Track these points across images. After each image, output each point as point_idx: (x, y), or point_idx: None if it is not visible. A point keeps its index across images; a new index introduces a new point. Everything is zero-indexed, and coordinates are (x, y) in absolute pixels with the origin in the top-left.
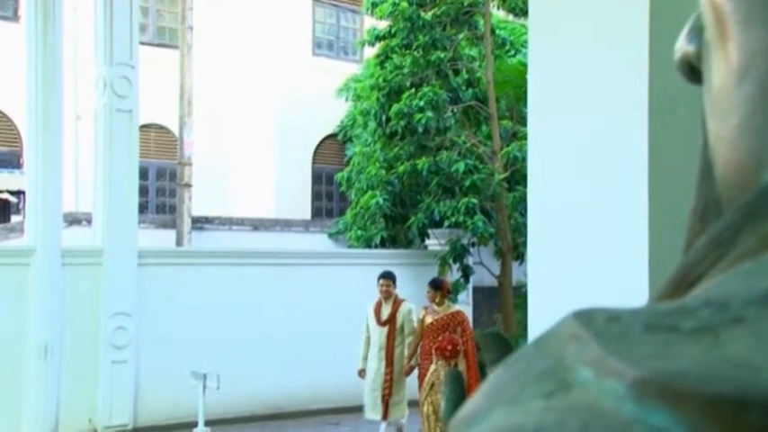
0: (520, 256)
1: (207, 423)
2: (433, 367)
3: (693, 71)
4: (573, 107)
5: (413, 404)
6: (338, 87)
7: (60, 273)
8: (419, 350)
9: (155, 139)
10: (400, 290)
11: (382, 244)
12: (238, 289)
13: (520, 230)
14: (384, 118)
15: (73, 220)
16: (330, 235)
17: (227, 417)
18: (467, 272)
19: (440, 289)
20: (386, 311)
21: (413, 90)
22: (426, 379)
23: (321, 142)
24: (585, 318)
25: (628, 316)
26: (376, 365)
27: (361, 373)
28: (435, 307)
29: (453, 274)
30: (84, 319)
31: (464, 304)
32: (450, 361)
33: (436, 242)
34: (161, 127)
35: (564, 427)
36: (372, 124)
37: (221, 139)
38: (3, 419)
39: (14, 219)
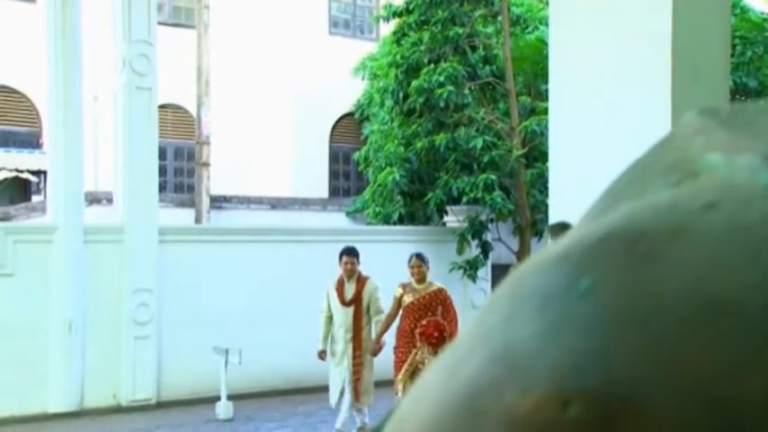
0: (539, 232)
1: (229, 397)
2: (417, 354)
3: None
4: (595, 79)
5: (379, 385)
6: (354, 66)
7: (83, 250)
8: (396, 331)
9: (172, 119)
10: None
11: (400, 221)
12: (258, 265)
13: (538, 207)
14: (402, 95)
15: (93, 199)
16: (348, 213)
17: (248, 391)
18: (486, 248)
19: (427, 263)
20: (350, 290)
21: (431, 66)
22: (407, 365)
23: (338, 121)
24: (710, 112)
25: (752, 108)
26: (342, 348)
27: (322, 354)
28: (415, 284)
29: (472, 251)
30: (107, 295)
31: (483, 281)
32: (436, 348)
33: (455, 219)
34: (178, 107)
35: (696, 200)
36: (390, 102)
37: (239, 118)
38: (30, 394)
39: (35, 198)
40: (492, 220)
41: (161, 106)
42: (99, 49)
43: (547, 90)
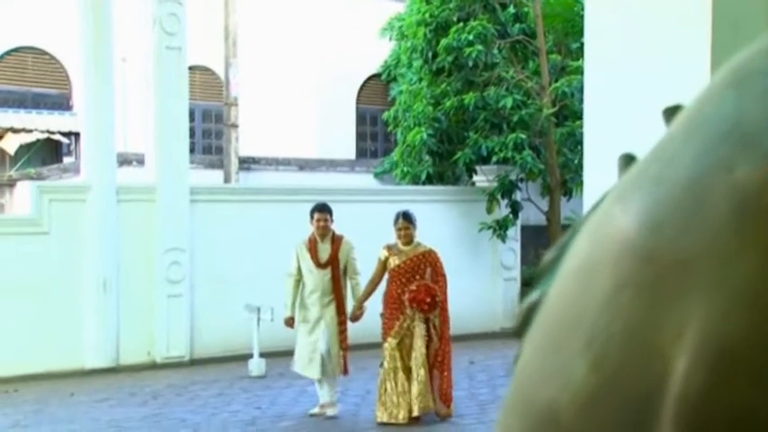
0: (568, 192)
1: (261, 355)
2: (405, 321)
3: None
4: (632, 34)
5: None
6: (382, 27)
7: (116, 209)
8: (383, 297)
9: (200, 80)
10: (448, 227)
11: (429, 181)
12: (288, 224)
13: (568, 166)
14: (431, 54)
15: (123, 160)
16: (376, 174)
17: (280, 349)
18: (515, 208)
19: (414, 223)
20: (324, 251)
21: (460, 25)
22: (394, 332)
23: (365, 82)
24: None
25: None
26: (317, 314)
27: (290, 321)
28: (401, 246)
29: (502, 211)
30: (140, 254)
31: (512, 241)
32: (428, 314)
33: (484, 178)
34: (206, 69)
35: None
36: (418, 61)
37: (266, 79)
38: (67, 350)
39: (66, 160)
40: (522, 180)
41: (189, 68)
42: (126, 11)
43: (577, 48)
